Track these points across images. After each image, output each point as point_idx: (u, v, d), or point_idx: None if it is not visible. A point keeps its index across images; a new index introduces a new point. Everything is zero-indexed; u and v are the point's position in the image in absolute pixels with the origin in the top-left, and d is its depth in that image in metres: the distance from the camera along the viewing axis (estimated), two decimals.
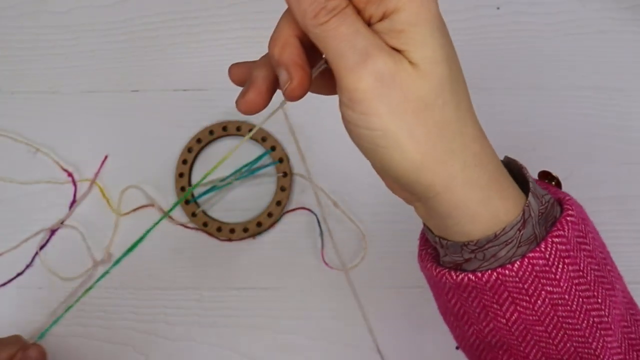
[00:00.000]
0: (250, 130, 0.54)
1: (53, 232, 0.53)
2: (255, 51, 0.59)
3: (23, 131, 0.55)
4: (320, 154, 0.54)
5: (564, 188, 0.54)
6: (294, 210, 0.54)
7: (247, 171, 0.54)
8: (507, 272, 0.29)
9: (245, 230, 0.53)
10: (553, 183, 0.36)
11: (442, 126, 0.27)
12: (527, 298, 0.29)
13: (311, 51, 0.29)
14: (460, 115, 0.28)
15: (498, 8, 0.55)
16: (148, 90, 0.55)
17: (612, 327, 0.31)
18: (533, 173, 0.54)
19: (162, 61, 0.56)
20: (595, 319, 0.30)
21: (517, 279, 0.29)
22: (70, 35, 0.56)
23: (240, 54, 0.55)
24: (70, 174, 0.54)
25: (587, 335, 0.30)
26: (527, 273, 0.29)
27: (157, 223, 0.53)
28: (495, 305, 0.30)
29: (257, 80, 0.30)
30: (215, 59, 0.55)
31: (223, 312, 0.53)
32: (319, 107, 0.55)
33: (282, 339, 0.53)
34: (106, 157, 0.54)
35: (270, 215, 0.53)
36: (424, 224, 0.32)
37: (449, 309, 0.33)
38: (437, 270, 0.31)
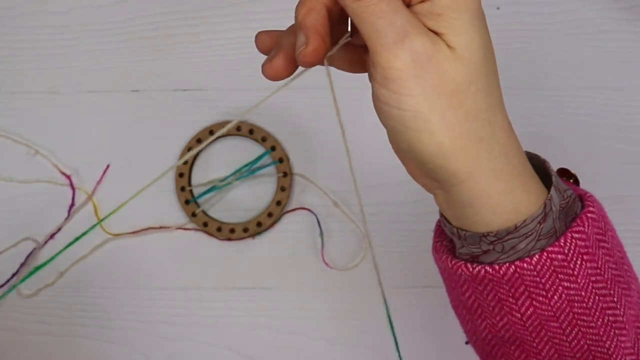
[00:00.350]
0: (251, 132, 0.54)
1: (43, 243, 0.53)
2: (255, 51, 0.59)
3: (23, 131, 0.55)
4: (321, 154, 0.54)
5: None
6: (294, 210, 0.54)
7: (247, 171, 0.54)
8: (525, 265, 0.29)
9: (245, 230, 0.53)
10: (571, 180, 0.36)
11: (473, 113, 0.27)
12: (544, 293, 0.29)
13: (338, 25, 0.29)
14: (491, 104, 0.28)
15: (498, 8, 0.55)
16: (148, 90, 0.55)
17: (627, 327, 0.31)
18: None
19: (162, 61, 0.56)
20: (610, 318, 0.30)
21: (534, 272, 0.29)
22: (70, 35, 0.56)
23: (240, 54, 0.55)
24: (68, 177, 0.54)
25: (601, 333, 0.30)
26: (546, 267, 0.29)
27: (88, 231, 0.53)
28: (510, 299, 0.30)
29: (285, 46, 0.30)
30: (215, 59, 0.55)
31: (223, 312, 0.53)
32: (320, 106, 0.55)
33: (282, 339, 0.53)
34: (108, 167, 0.54)
35: (270, 215, 0.53)
36: (441, 215, 0.32)
37: (462, 302, 0.33)
38: (453, 262, 0.31)
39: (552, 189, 0.30)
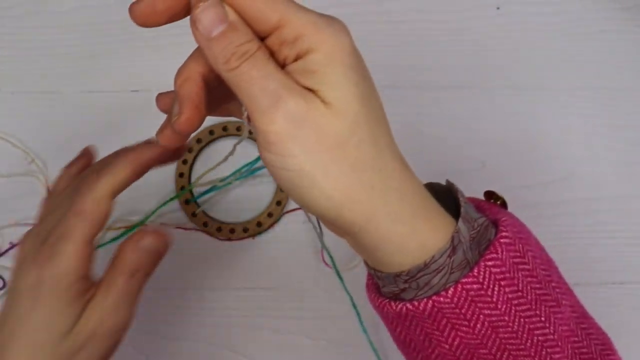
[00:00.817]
0: (250, 132, 0.54)
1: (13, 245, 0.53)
2: None
3: (22, 131, 0.55)
4: None
5: (563, 189, 0.54)
6: (294, 210, 0.54)
7: (247, 171, 0.54)
8: (442, 299, 0.29)
9: (245, 230, 0.53)
10: (498, 202, 0.36)
11: (358, 163, 0.27)
12: (466, 323, 0.30)
13: (220, 88, 0.29)
14: (379, 152, 0.28)
15: (498, 8, 0.55)
16: (148, 91, 0.55)
17: (560, 343, 0.31)
18: (533, 173, 0.54)
19: (162, 61, 0.56)
20: (539, 338, 0.30)
21: (452, 305, 0.29)
22: (71, 35, 0.56)
23: None
24: None
25: (532, 354, 0.30)
26: (462, 298, 0.29)
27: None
28: (436, 332, 0.30)
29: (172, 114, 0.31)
30: None
31: (223, 312, 0.53)
32: None
33: (282, 339, 0.53)
34: None
35: (270, 215, 0.53)
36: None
37: (396, 338, 0.33)
38: (379, 301, 0.32)
39: (460, 220, 0.30)
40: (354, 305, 0.52)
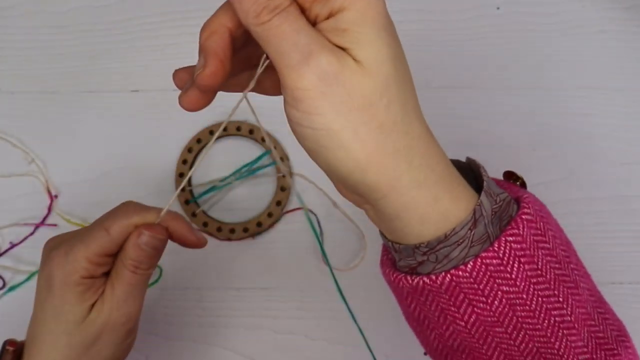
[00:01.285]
0: (251, 132, 0.54)
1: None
2: None
3: (22, 132, 0.55)
4: None
5: (564, 188, 0.54)
6: (294, 210, 0.54)
7: (247, 171, 0.54)
8: (460, 273, 0.29)
9: (245, 230, 0.53)
10: (518, 183, 0.36)
11: (387, 125, 0.27)
12: (484, 299, 0.29)
13: (249, 46, 0.29)
14: (406, 115, 0.28)
15: (498, 8, 0.55)
16: (148, 90, 0.55)
17: (576, 325, 0.30)
18: (533, 173, 0.54)
19: (162, 61, 0.56)
20: (557, 318, 0.30)
21: (471, 279, 0.29)
22: (70, 35, 0.56)
23: None
24: (51, 198, 0.54)
25: (549, 335, 0.30)
26: (482, 273, 0.28)
27: None
28: (452, 308, 0.30)
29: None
30: None
31: (223, 312, 0.53)
32: None
33: (282, 339, 0.53)
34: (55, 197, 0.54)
35: (270, 215, 0.53)
36: (379, 229, 0.32)
37: (410, 314, 0.33)
38: (395, 275, 0.31)
39: (483, 193, 0.29)
40: (349, 308, 0.52)
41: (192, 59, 0.58)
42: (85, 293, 0.36)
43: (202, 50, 0.29)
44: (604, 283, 0.53)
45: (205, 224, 0.53)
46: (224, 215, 0.54)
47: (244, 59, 0.31)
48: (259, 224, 0.53)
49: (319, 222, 0.53)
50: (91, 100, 0.55)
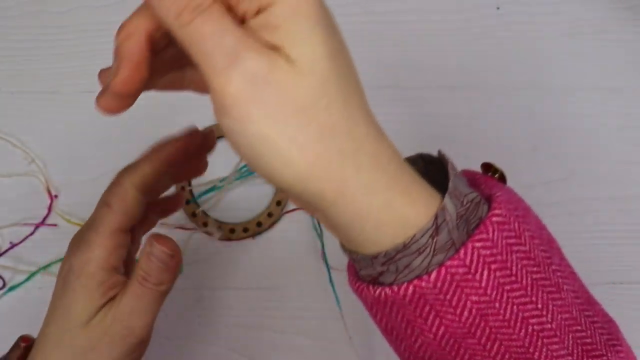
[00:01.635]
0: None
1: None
2: None
3: (22, 131, 0.55)
4: None
5: (564, 188, 0.54)
6: (294, 210, 0.54)
7: (247, 171, 0.54)
8: (423, 283, 0.26)
9: (245, 230, 0.53)
10: (496, 176, 0.33)
11: (328, 129, 0.24)
12: (452, 310, 0.27)
13: (170, 47, 0.27)
14: (350, 114, 0.25)
15: (498, 8, 0.55)
16: (148, 91, 0.55)
17: (558, 333, 0.28)
18: (533, 173, 0.54)
19: None
20: (535, 327, 0.28)
21: (436, 290, 0.26)
22: (71, 35, 0.56)
23: None
24: (51, 197, 0.54)
25: (526, 345, 0.28)
26: (447, 283, 0.26)
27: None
28: (419, 320, 0.28)
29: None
30: None
31: (223, 312, 0.53)
32: None
33: (282, 339, 0.53)
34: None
35: (270, 215, 0.53)
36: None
37: (378, 325, 0.31)
38: (357, 285, 0.29)
39: (446, 196, 0.27)
40: (339, 305, 0.52)
41: None
42: (97, 289, 0.33)
43: (115, 55, 0.27)
44: (603, 283, 0.54)
45: (205, 224, 0.53)
46: (223, 215, 0.54)
47: (170, 59, 0.29)
48: (259, 224, 0.53)
49: (319, 222, 0.53)
50: (91, 100, 0.55)
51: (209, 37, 0.24)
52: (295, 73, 0.24)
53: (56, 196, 0.54)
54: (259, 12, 0.24)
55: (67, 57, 0.56)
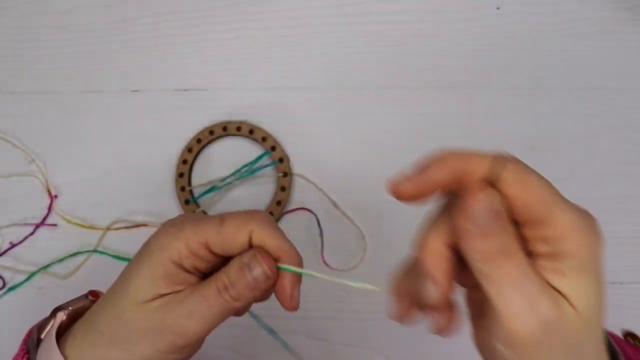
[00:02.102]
0: (251, 132, 0.54)
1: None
2: (255, 51, 0.59)
3: (21, 131, 0.55)
4: (321, 154, 0.54)
5: (564, 188, 0.54)
6: (294, 210, 0.54)
7: (247, 171, 0.54)
8: None
9: None
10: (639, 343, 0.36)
11: None
12: None
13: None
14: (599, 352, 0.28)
15: (498, 8, 0.55)
16: (148, 90, 0.55)
17: None
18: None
19: (162, 61, 0.56)
20: None
21: None
22: (70, 35, 0.56)
23: (240, 53, 0.55)
24: (51, 197, 0.54)
25: None
26: None
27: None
28: None
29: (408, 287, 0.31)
30: (215, 58, 0.55)
31: None
32: (320, 106, 0.55)
33: (282, 339, 0.53)
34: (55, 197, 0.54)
35: (270, 215, 0.53)
36: None
37: None
38: None
39: None
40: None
41: (192, 59, 0.58)
42: (164, 278, 0.32)
43: (427, 274, 0.28)
44: (606, 283, 0.53)
45: None
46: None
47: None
48: None
49: (318, 222, 0.53)
50: (91, 100, 0.55)
51: (510, 279, 0.26)
52: (580, 322, 0.26)
53: (56, 196, 0.54)
54: (550, 255, 0.26)
55: (67, 57, 0.56)
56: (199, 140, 0.54)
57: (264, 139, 0.54)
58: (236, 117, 0.54)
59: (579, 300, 0.26)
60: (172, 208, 0.54)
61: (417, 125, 0.54)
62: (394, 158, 0.53)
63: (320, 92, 0.55)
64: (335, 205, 0.53)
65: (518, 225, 0.27)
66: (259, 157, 0.54)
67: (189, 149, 0.54)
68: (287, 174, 0.53)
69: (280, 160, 0.53)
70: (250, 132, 0.54)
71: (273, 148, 0.54)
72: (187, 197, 0.53)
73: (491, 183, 0.27)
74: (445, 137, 0.54)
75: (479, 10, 0.55)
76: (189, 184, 0.54)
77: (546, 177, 0.57)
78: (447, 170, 0.27)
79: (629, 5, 0.55)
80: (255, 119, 0.54)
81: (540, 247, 0.27)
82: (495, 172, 0.27)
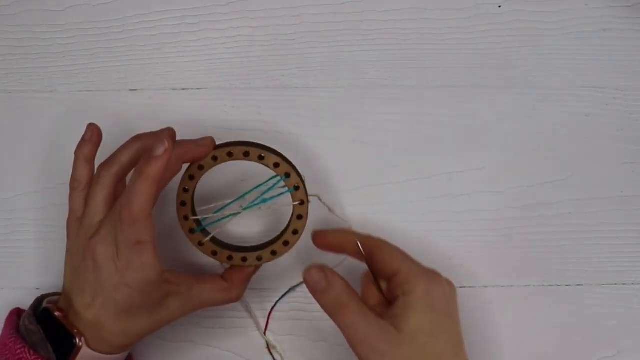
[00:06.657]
0: (260, 157, 0.46)
1: None
2: (255, 50, 0.59)
3: (20, 131, 0.55)
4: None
5: (564, 188, 0.54)
6: None
7: (259, 200, 0.48)
8: None
9: (259, 259, 0.48)
10: None
11: None
12: None
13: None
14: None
15: (499, 6, 0.55)
16: (146, 90, 0.55)
17: None
18: (533, 173, 0.54)
19: (161, 60, 0.55)
20: None
21: None
22: (68, 33, 0.56)
23: (240, 53, 0.55)
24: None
25: None
26: None
27: None
28: None
29: None
30: (214, 57, 0.55)
31: (223, 313, 0.53)
32: (321, 106, 0.55)
33: (282, 339, 0.53)
34: None
35: (286, 244, 0.48)
36: None
37: None
38: None
39: None
40: None
41: (191, 58, 0.58)
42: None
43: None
44: (607, 284, 0.53)
45: (214, 253, 0.48)
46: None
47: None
48: (274, 253, 0.48)
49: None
50: (90, 99, 0.55)
51: (350, 321, 0.41)
52: (406, 340, 0.39)
53: None
54: (400, 295, 0.42)
55: (65, 55, 0.56)
56: (200, 167, 0.46)
57: (276, 165, 0.46)
58: (236, 116, 0.54)
59: (406, 326, 0.39)
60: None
61: (417, 125, 0.54)
62: (394, 158, 0.53)
63: (321, 92, 0.54)
64: (336, 214, 0.53)
65: (386, 281, 0.43)
66: (271, 187, 0.47)
67: (190, 176, 0.46)
68: (304, 202, 0.47)
69: (296, 187, 0.46)
70: (259, 157, 0.46)
71: (287, 175, 0.46)
72: (191, 225, 0.48)
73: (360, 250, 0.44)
74: (445, 137, 0.54)
75: (480, 9, 0.55)
76: (193, 213, 0.48)
77: (546, 177, 0.57)
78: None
79: (631, 3, 0.55)
80: (255, 118, 0.54)
81: (398, 291, 0.41)
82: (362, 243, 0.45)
